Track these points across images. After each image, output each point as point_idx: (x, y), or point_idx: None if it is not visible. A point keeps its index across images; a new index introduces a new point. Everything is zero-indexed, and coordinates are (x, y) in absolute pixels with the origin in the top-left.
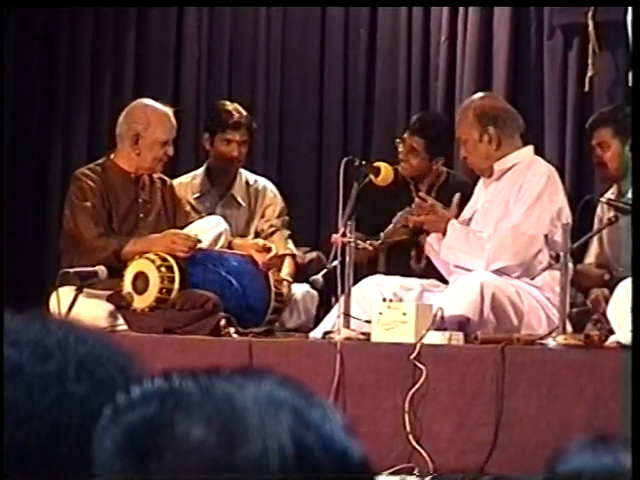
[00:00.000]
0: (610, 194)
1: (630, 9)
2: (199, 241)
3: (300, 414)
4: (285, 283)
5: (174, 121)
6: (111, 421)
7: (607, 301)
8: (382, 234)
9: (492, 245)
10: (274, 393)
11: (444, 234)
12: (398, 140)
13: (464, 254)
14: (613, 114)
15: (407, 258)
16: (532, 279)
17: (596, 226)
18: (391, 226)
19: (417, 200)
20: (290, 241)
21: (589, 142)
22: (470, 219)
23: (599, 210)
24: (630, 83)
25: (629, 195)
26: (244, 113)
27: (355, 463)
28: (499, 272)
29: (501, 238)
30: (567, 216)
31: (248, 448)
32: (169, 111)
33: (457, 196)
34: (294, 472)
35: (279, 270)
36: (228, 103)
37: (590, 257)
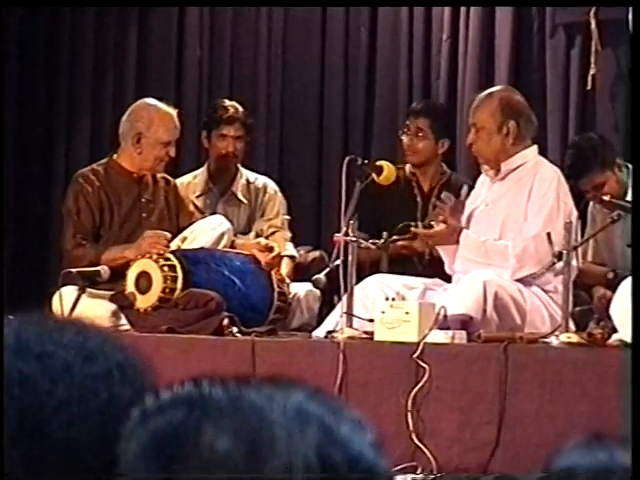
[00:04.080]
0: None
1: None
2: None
3: (328, 429)
4: (287, 283)
5: (177, 122)
6: (138, 424)
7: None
8: (385, 234)
9: (516, 254)
10: (303, 406)
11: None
12: (401, 132)
13: (484, 265)
14: (595, 154)
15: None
16: (534, 278)
17: (589, 224)
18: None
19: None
20: (290, 243)
21: (576, 186)
22: (470, 216)
23: (591, 207)
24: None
25: (629, 193)
26: (240, 109)
27: None
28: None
29: (524, 247)
30: (571, 215)
31: (273, 462)
32: (173, 112)
33: (465, 188)
34: None
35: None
36: (225, 100)
37: (588, 256)
